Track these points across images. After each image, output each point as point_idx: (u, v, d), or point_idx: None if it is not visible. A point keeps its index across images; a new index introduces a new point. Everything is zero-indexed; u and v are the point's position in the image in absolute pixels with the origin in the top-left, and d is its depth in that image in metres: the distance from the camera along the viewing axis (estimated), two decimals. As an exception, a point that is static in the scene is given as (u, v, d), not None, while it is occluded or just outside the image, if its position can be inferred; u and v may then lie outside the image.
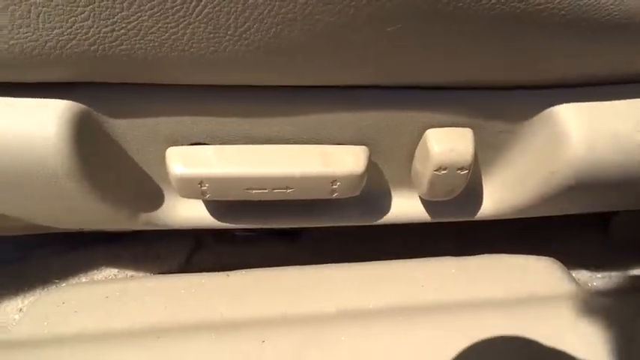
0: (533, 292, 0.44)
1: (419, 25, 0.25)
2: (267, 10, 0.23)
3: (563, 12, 0.25)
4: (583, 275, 0.52)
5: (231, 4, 0.23)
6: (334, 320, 0.40)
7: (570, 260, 0.50)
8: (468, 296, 0.44)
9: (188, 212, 0.36)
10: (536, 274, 0.46)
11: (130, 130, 0.31)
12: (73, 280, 0.47)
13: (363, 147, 0.33)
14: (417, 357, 0.38)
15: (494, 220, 0.41)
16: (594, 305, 0.43)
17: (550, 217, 0.42)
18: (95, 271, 0.48)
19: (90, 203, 0.31)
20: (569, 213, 0.41)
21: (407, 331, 0.40)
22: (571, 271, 0.48)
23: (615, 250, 0.54)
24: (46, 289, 0.46)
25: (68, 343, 0.38)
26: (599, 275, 0.51)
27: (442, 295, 0.44)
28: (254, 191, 0.32)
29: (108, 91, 0.29)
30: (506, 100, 0.32)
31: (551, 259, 0.47)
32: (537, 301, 0.44)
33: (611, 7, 0.25)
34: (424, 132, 0.33)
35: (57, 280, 0.47)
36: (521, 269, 0.46)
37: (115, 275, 0.47)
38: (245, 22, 0.24)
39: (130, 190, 0.33)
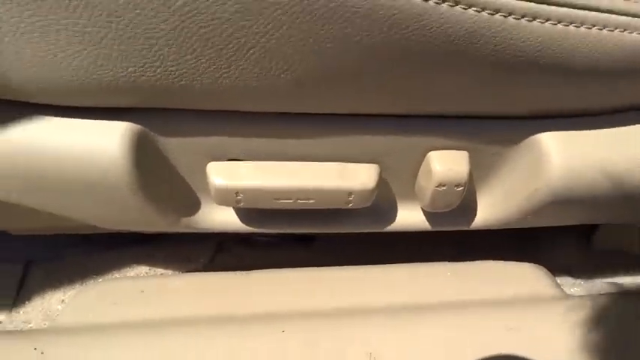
0: (520, 295, 0.49)
1: (427, 69, 0.30)
2: (305, 55, 0.29)
3: (543, 61, 0.30)
4: (567, 281, 0.57)
5: (276, 52, 0.29)
6: (346, 314, 0.45)
7: (555, 267, 0.55)
8: (461, 297, 0.49)
9: (221, 217, 0.41)
10: (524, 279, 0.51)
11: (177, 148, 0.36)
12: (108, 277, 0.52)
13: (375, 165, 0.38)
14: (413, 348, 0.43)
15: (487, 230, 0.46)
16: (575, 308, 0.48)
17: (537, 227, 0.47)
18: (128, 269, 0.53)
19: (142, 209, 0.37)
20: (552, 225, 0.46)
21: (406, 326, 0.45)
22: (555, 277, 0.53)
23: (596, 259, 0.59)
24: (84, 284, 0.52)
25: (109, 331, 0.43)
26: (581, 281, 0.57)
27: (438, 295, 0.49)
28: (281, 201, 0.38)
29: (161, 115, 0.35)
30: (496, 128, 0.38)
31: (538, 265, 0.52)
32: (523, 303, 0.49)
33: (581, 57, 0.31)
34: (427, 154, 0.38)
35: (94, 276, 0.52)
36: (510, 274, 0.51)
37: (146, 273, 0.53)
38: (284, 64, 0.30)
39: (175, 198, 0.39)
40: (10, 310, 0.51)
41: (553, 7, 0.28)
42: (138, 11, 0.26)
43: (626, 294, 0.53)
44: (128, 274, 0.52)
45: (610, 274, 0.58)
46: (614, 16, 0.29)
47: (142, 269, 0.53)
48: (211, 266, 0.53)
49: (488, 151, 0.39)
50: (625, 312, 0.49)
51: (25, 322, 0.49)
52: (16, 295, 0.52)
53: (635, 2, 0.30)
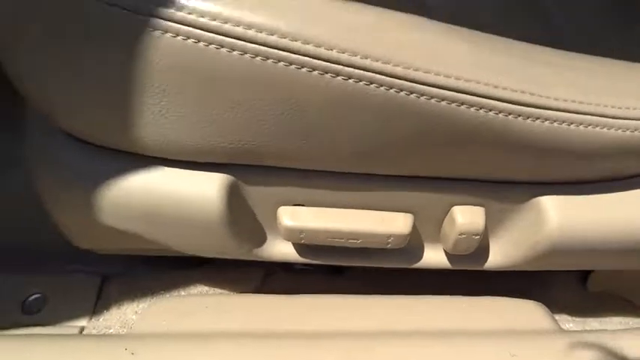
0: (521, 328, 0.58)
1: (455, 149, 0.41)
2: (369, 138, 0.39)
3: (544, 149, 0.40)
4: (563, 318, 0.66)
5: (348, 135, 0.39)
6: (375, 334, 0.54)
7: (554, 305, 0.63)
8: (471, 327, 0.57)
9: (283, 250, 0.51)
10: (525, 314, 0.59)
11: (257, 194, 0.46)
12: (175, 293, 0.62)
13: (410, 215, 0.48)
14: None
15: (497, 271, 0.56)
16: (569, 342, 0.56)
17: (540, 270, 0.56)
18: (191, 287, 0.62)
19: (225, 240, 0.47)
20: (551, 269, 0.56)
21: (426, 347, 0.53)
22: (553, 314, 0.61)
23: (590, 299, 0.68)
24: (155, 298, 0.61)
25: (185, 338, 0.52)
26: (575, 319, 0.65)
27: (452, 323, 0.58)
28: (334, 240, 0.47)
29: (248, 169, 0.45)
30: (506, 190, 0.47)
31: (538, 303, 0.61)
32: (524, 335, 0.57)
33: (574, 147, 0.41)
34: (451, 208, 0.48)
35: (162, 292, 0.62)
36: (514, 309, 0.59)
37: (206, 291, 0.62)
38: (351, 143, 0.40)
39: (250, 232, 0.49)
40: (91, 318, 0.60)
41: (552, 112, 0.38)
42: (254, 103, 0.37)
43: (614, 332, 0.61)
44: (192, 292, 0.62)
45: (601, 313, 0.67)
46: (596, 117, 0.39)
47: (204, 288, 0.62)
48: (261, 288, 0.63)
49: (500, 207, 0.48)
50: (613, 348, 0.57)
51: (106, 328, 0.59)
52: (94, 305, 0.62)
53: (611, 107, 0.40)
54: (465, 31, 0.40)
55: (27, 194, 0.58)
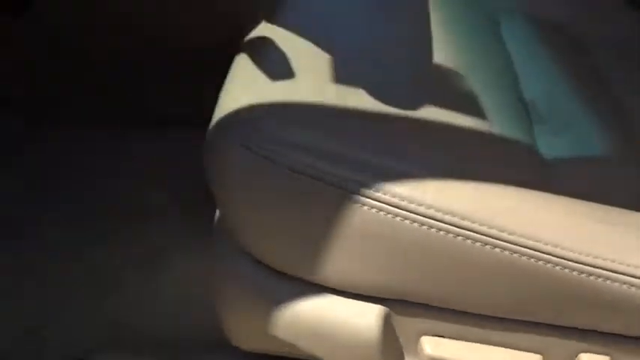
0: None
1: (591, 309, 0.47)
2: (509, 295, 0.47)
3: None
4: None
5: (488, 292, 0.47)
6: None
7: None
8: None
9: (418, 371, 0.58)
10: None
11: (404, 324, 0.54)
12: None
13: (539, 356, 0.54)
14: None
15: None
16: None
17: None
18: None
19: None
20: None
21: None
22: None
23: None
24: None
25: None
26: None
27: None
28: (467, 369, 0.54)
29: (399, 302, 0.53)
30: (631, 343, 0.52)
31: None
32: None
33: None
34: (578, 354, 0.53)
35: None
36: None
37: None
38: (491, 300, 0.48)
39: (394, 354, 0.56)
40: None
41: None
42: (430, 264, 0.46)
43: None
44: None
45: None
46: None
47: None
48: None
49: (624, 358, 0.53)
50: None
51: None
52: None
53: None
54: (600, 209, 0.48)
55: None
